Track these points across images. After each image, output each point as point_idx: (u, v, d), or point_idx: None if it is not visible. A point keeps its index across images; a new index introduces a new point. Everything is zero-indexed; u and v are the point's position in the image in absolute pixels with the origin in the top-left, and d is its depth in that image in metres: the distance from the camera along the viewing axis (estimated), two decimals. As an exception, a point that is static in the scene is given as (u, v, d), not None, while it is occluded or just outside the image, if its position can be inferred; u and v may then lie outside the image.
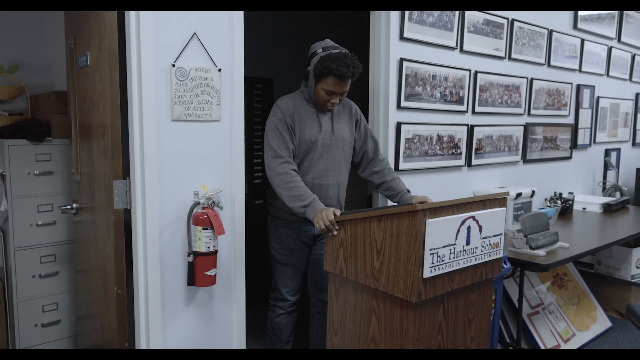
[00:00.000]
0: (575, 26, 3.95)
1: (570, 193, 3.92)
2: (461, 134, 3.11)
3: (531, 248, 2.61)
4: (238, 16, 2.05)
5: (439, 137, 2.97)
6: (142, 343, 1.96)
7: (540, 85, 3.68)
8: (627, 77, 4.73)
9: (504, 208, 1.88)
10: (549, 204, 3.71)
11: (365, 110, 2.63)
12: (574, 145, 4.16)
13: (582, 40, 4.03)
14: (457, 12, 2.94)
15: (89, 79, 2.14)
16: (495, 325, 2.62)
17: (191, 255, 1.94)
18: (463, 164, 3.16)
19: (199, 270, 1.94)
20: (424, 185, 2.91)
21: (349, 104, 2.38)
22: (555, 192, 3.91)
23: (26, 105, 3.29)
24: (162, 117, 1.89)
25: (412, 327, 1.66)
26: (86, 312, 2.50)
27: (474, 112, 3.19)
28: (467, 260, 1.76)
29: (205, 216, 1.93)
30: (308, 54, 2.20)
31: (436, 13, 2.83)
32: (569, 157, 4.14)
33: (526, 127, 3.61)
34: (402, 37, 2.69)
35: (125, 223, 2.00)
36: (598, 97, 4.37)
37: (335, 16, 4.47)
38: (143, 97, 1.83)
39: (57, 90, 3.25)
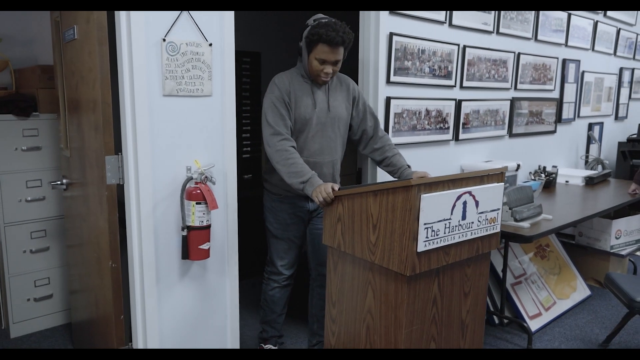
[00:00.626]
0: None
1: (554, 166, 4.00)
2: (449, 108, 3.14)
3: (516, 220, 2.69)
4: (228, -11, 2.03)
5: (427, 112, 3.00)
6: (138, 315, 2.00)
7: (527, 60, 3.71)
8: (611, 51, 4.78)
9: (502, 183, 1.91)
10: (533, 177, 3.79)
11: (355, 85, 2.64)
12: (558, 119, 4.23)
13: (569, 15, 4.06)
14: (446, -14, 2.94)
15: (77, 53, 2.12)
16: (480, 294, 2.71)
17: (185, 230, 1.97)
18: (450, 138, 3.21)
19: (193, 244, 1.97)
20: (412, 159, 2.93)
21: (346, 81, 2.37)
22: (539, 166, 3.99)
23: (10, 79, 3.23)
24: (153, 92, 1.89)
25: (407, 300, 1.72)
26: (79, 287, 2.53)
27: (461, 87, 3.21)
28: (462, 235, 1.80)
29: (199, 191, 1.95)
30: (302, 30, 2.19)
31: (426, -13, 2.83)
32: (554, 131, 4.21)
33: (512, 101, 3.65)
34: (392, 11, 2.68)
35: (117, 199, 2.01)
36: (583, 72, 4.42)
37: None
38: (134, 72, 1.82)
39: (41, 64, 3.20)
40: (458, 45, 3.11)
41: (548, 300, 3.27)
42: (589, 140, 4.70)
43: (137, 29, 1.81)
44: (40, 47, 3.26)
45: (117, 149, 1.97)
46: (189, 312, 2.11)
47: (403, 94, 2.84)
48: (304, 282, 2.59)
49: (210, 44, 1.99)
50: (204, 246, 1.99)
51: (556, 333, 3.03)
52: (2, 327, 2.99)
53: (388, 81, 2.73)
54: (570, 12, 4.04)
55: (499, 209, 1.92)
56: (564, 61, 4.14)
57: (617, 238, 3.67)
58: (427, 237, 1.68)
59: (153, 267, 1.97)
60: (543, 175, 3.79)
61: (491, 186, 1.85)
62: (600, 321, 3.20)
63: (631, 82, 5.27)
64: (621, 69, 5.03)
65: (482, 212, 1.85)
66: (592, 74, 4.55)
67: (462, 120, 3.24)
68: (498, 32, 3.41)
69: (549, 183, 3.82)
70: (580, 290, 3.55)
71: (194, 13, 1.94)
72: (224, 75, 2.06)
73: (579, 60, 4.33)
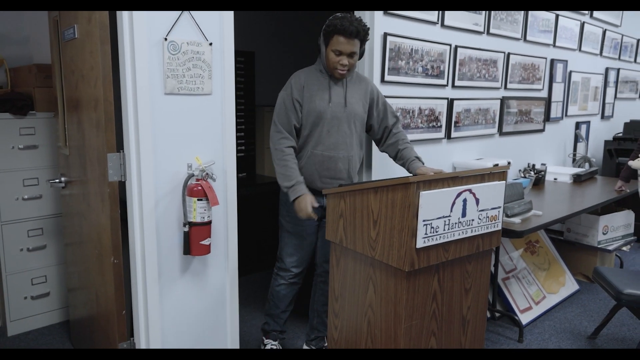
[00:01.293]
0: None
1: (543, 164, 4.09)
2: (441, 107, 3.21)
3: (507, 216, 2.76)
4: (228, -10, 2.07)
5: (421, 111, 3.06)
6: (140, 311, 2.03)
7: (516, 60, 3.79)
8: (597, 52, 4.88)
9: (503, 182, 1.94)
10: (523, 175, 3.87)
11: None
12: (547, 118, 4.32)
13: (557, 16, 4.15)
14: (438, -13, 3.00)
15: (78, 52, 2.14)
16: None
17: (187, 226, 2.00)
18: (443, 136, 3.27)
19: (194, 239, 2.01)
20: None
21: (365, 81, 2.41)
22: (528, 164, 4.07)
23: (5, 78, 3.24)
24: (155, 90, 1.92)
25: (406, 295, 1.77)
26: (78, 284, 2.54)
27: (453, 86, 3.28)
28: (462, 232, 1.84)
29: (200, 188, 1.98)
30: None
31: (419, -12, 2.89)
32: (542, 130, 4.30)
33: (502, 100, 3.73)
34: (386, 12, 2.74)
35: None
36: (570, 72, 4.52)
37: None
38: (137, 71, 1.86)
39: (36, 62, 3.21)
40: (450, 45, 3.18)
41: (538, 295, 3.35)
42: (577, 138, 4.80)
43: (139, 29, 1.84)
44: (35, 46, 3.27)
45: (119, 146, 2.00)
46: (190, 307, 2.15)
47: (397, 93, 2.89)
48: (308, 278, 2.62)
49: (211, 44, 2.03)
50: (205, 242, 2.03)
51: (546, 326, 3.11)
52: (-2, 326, 2.99)
53: (382, 80, 2.79)
54: (557, 12, 4.13)
55: (500, 207, 1.96)
56: (552, 61, 4.23)
57: (604, 234, 3.76)
58: (426, 234, 1.73)
59: (155, 262, 2.00)
60: (532, 172, 3.87)
61: (492, 184, 1.89)
62: (589, 314, 3.29)
63: (616, 82, 5.39)
64: (607, 69, 5.14)
65: (482, 210, 1.89)
66: (579, 74, 4.66)
67: (454, 119, 3.30)
68: (488, 33, 3.49)
69: (538, 180, 3.90)
70: (569, 285, 3.64)
71: (194, 13, 1.97)
72: (223, 74, 2.10)
73: (567, 61, 4.42)
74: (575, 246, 3.89)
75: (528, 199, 3.01)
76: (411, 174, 2.30)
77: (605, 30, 4.90)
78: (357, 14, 2.73)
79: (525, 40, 3.85)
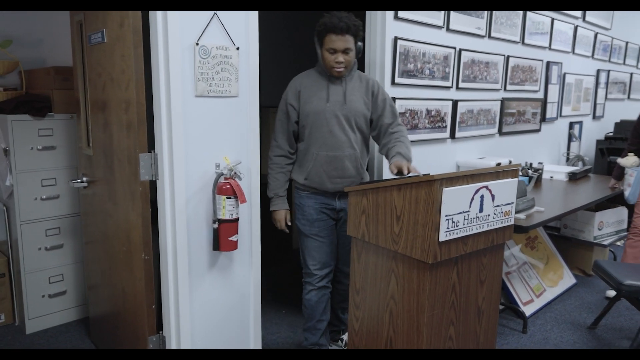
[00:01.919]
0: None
1: (540, 163, 4.24)
2: (447, 108, 3.33)
3: (513, 212, 2.88)
4: (253, -4, 2.16)
5: (428, 112, 3.18)
6: (171, 305, 2.11)
7: (515, 62, 3.93)
8: (589, 54, 5.06)
9: (516, 179, 2.05)
10: (521, 173, 4.01)
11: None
12: (543, 118, 4.47)
13: (552, 20, 4.30)
14: (444, -7, 3.12)
15: (106, 56, 2.21)
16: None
17: (216, 223, 2.09)
18: (447, 136, 3.39)
19: (223, 236, 2.09)
20: (412, 156, 3.12)
21: (366, 78, 2.39)
22: (526, 162, 4.22)
23: (18, 79, 3.28)
24: (187, 93, 2.00)
25: (429, 286, 1.87)
26: (101, 281, 2.61)
27: (457, 88, 3.40)
28: (480, 226, 1.95)
29: (229, 186, 2.07)
30: None
31: (426, -7, 3.00)
32: (539, 130, 4.45)
33: (503, 101, 3.87)
34: (396, 17, 2.85)
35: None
36: (565, 74, 4.68)
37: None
38: (171, 75, 1.94)
39: (49, 64, 3.26)
40: (455, 48, 3.30)
41: (538, 288, 3.49)
42: (570, 138, 4.97)
43: (173, 35, 1.92)
44: (49, 48, 3.32)
45: (150, 147, 2.08)
46: (216, 300, 2.23)
47: (406, 95, 3.01)
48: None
49: (238, 48, 2.12)
50: (233, 238, 2.12)
51: (548, 317, 3.25)
52: (15, 324, 3.04)
53: (393, 82, 2.90)
54: (553, 16, 4.29)
55: (513, 203, 2.07)
56: (548, 63, 4.39)
57: (599, 229, 3.92)
58: (448, 228, 1.83)
59: (186, 258, 2.08)
60: (530, 171, 4.02)
61: (506, 181, 2.00)
62: (587, 306, 3.43)
63: (607, 83, 5.58)
64: (598, 71, 5.32)
65: (497, 206, 2.00)
66: (573, 76, 4.82)
67: (458, 119, 3.43)
68: (490, 36, 3.62)
69: (536, 179, 4.05)
70: (567, 279, 3.79)
71: (223, 19, 2.06)
72: (249, 77, 2.19)
73: (561, 63, 4.58)
74: (572, 242, 4.04)
75: (530, 196, 3.14)
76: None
77: (597, 33, 5.07)
78: (369, 18, 2.84)
79: (523, 43, 4.00)
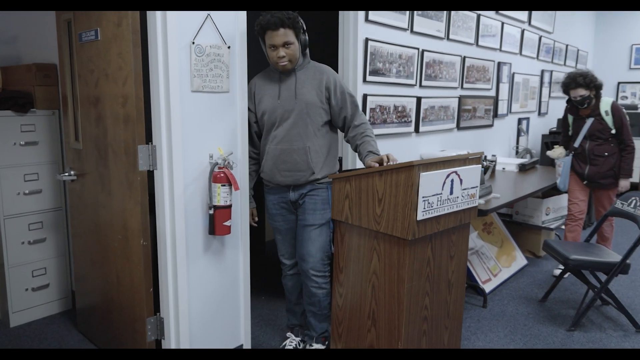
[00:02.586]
0: (497, 11, 4.58)
1: (493, 155, 4.60)
2: (411, 104, 3.60)
3: (473, 198, 3.18)
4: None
5: (395, 108, 3.44)
6: (169, 287, 2.26)
7: (470, 63, 4.27)
8: (535, 55, 5.50)
9: (479, 165, 2.32)
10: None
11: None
12: (495, 114, 4.85)
13: (502, 24, 4.68)
14: (408, -2, 3.39)
15: (100, 53, 2.32)
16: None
17: (212, 209, 2.25)
18: (412, 130, 3.67)
19: (218, 221, 2.26)
20: (381, 149, 3.37)
21: (322, 71, 2.37)
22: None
23: (-7, 76, 3.29)
24: (184, 88, 2.15)
25: (408, 261, 2.11)
26: (90, 271, 2.70)
27: (421, 86, 3.69)
28: (450, 207, 2.20)
29: (223, 174, 2.24)
30: None
31: (393, -2, 3.26)
32: (491, 125, 4.83)
33: (460, 98, 4.19)
34: (367, 19, 3.09)
35: (146, 183, 2.24)
36: (513, 73, 5.08)
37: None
38: (170, 71, 2.08)
39: (25, 62, 3.29)
40: (418, 49, 3.58)
41: (495, 268, 3.83)
42: (519, 132, 5.39)
43: (172, 34, 2.07)
44: (23, 45, 3.34)
45: (147, 139, 2.22)
46: (210, 281, 2.39)
47: (376, 92, 3.25)
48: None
49: (229, 47, 2.29)
50: (227, 223, 2.29)
51: (504, 294, 3.59)
52: (-2, 318, 3.07)
53: (364, 80, 3.13)
54: (503, 21, 4.66)
55: (477, 187, 2.34)
56: (499, 64, 4.76)
57: (547, 214, 4.32)
58: (424, 208, 2.07)
59: (184, 242, 2.23)
60: (485, 162, 4.37)
61: (472, 167, 2.27)
62: (538, 283, 3.80)
63: (550, 83, 6.06)
64: (542, 71, 5.78)
65: (465, 189, 2.27)
66: (521, 75, 5.24)
67: (421, 115, 3.71)
68: (448, 38, 3.93)
69: (492, 169, 4.40)
70: (519, 260, 4.16)
71: (215, 19, 2.22)
72: (238, 74, 2.36)
73: (510, 63, 4.98)
74: (523, 226, 4.42)
75: (488, 184, 3.46)
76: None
77: (541, 36, 5.52)
78: (342, 21, 3.07)
79: (477, 45, 4.34)
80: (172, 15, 2.07)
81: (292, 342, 2.72)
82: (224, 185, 2.24)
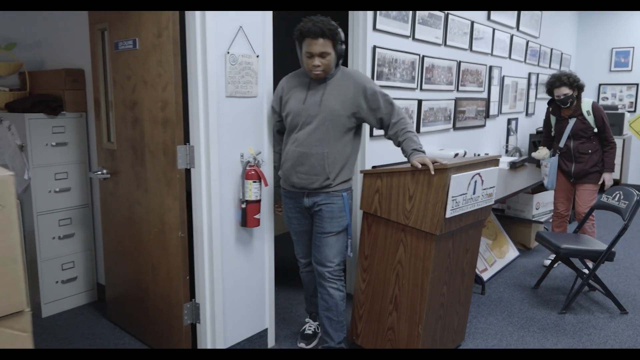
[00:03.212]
0: (488, 18, 4.87)
1: (486, 154, 4.89)
2: (413, 106, 3.86)
3: (472, 193, 3.45)
4: (269, 13, 2.56)
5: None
6: (206, 275, 2.47)
7: (465, 67, 4.55)
8: (522, 59, 5.81)
9: (497, 167, 2.51)
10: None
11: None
12: (487, 115, 5.14)
13: (493, 30, 4.97)
14: (411, 8, 3.65)
15: (138, 61, 2.53)
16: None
17: (244, 203, 2.47)
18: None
19: (250, 214, 2.48)
20: (387, 149, 3.62)
21: (349, 77, 2.41)
22: (474, 153, 4.86)
23: (18, 80, 3.47)
24: (220, 94, 2.37)
25: (434, 253, 2.34)
26: (122, 263, 2.89)
27: (421, 89, 3.95)
28: (472, 205, 2.41)
29: (254, 172, 2.46)
30: None
31: (397, 8, 3.52)
32: (484, 125, 5.12)
33: (456, 101, 4.47)
34: (374, 29, 3.33)
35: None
36: (504, 76, 5.38)
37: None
38: (208, 78, 2.30)
39: (49, 66, 3.46)
40: (419, 55, 3.84)
41: (490, 259, 4.11)
42: (509, 132, 5.70)
43: (210, 45, 2.29)
44: (46, 50, 3.51)
45: (185, 140, 2.43)
46: (240, 269, 2.61)
47: (382, 95, 3.50)
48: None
49: (258, 56, 2.51)
50: (257, 216, 2.51)
51: (500, 282, 3.87)
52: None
53: (372, 84, 3.38)
54: (494, 27, 4.95)
55: (494, 186, 2.55)
56: (490, 67, 5.05)
57: (537, 209, 4.62)
58: (452, 207, 2.28)
59: (219, 234, 2.45)
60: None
61: (492, 169, 2.48)
62: (530, 272, 4.10)
63: (537, 84, 6.39)
64: (529, 74, 6.10)
65: (485, 189, 2.47)
66: (510, 78, 5.54)
67: (422, 117, 3.97)
68: (446, 45, 4.20)
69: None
70: (512, 252, 4.45)
71: (246, 31, 2.44)
72: (264, 80, 2.59)
73: (501, 67, 5.28)
74: (514, 220, 4.72)
75: (484, 180, 3.74)
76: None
77: (528, 41, 5.84)
78: (351, 30, 3.31)
79: (471, 50, 4.62)
80: (210, 28, 2.28)
81: (310, 326, 2.91)
82: (255, 182, 2.47)
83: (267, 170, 2.65)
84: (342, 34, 2.36)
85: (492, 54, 5.03)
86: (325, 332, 2.62)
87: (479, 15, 4.70)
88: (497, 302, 3.50)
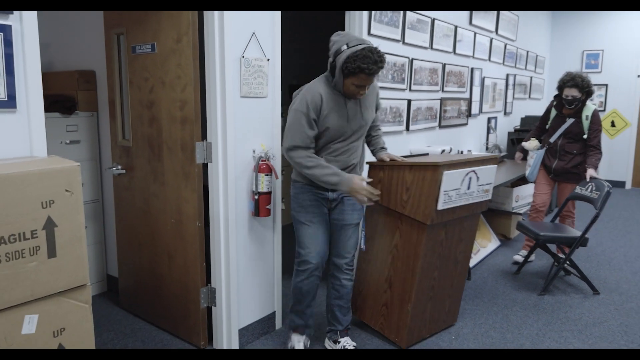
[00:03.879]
0: (470, 22, 5.18)
1: (469, 150, 5.20)
2: (403, 106, 4.13)
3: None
4: (277, 19, 2.78)
5: (390, 109, 3.96)
6: (222, 261, 2.68)
7: (449, 69, 4.84)
8: (501, 61, 6.15)
9: (495, 165, 2.72)
10: (456, 159, 4.93)
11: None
12: (469, 114, 5.46)
13: (475, 34, 5.28)
14: (401, 13, 3.91)
15: (156, 64, 2.72)
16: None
17: (257, 195, 2.69)
18: (404, 129, 4.20)
19: (262, 205, 2.70)
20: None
21: (373, 86, 2.57)
22: (458, 150, 5.16)
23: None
24: (235, 94, 2.59)
25: (424, 240, 2.60)
26: (137, 253, 3.07)
27: (410, 90, 4.22)
28: (466, 200, 2.64)
29: (266, 166, 2.68)
30: (331, 50, 2.38)
31: (390, 14, 3.78)
32: (466, 124, 5.43)
33: (441, 100, 4.76)
34: (369, 33, 3.58)
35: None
36: (484, 77, 5.70)
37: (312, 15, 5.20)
38: (226, 80, 2.51)
39: (57, 68, 3.61)
40: (408, 58, 4.11)
41: (475, 248, 4.42)
42: (489, 130, 6.03)
43: (227, 50, 2.50)
44: (54, 52, 3.66)
45: (202, 137, 2.64)
46: (252, 256, 2.83)
47: (376, 95, 3.76)
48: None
49: (268, 59, 2.74)
50: (269, 207, 2.74)
51: (484, 269, 4.17)
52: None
53: (367, 85, 3.63)
54: (475, 31, 5.27)
55: (491, 183, 2.76)
56: (472, 69, 5.37)
57: (516, 201, 4.94)
58: (444, 201, 2.53)
59: (234, 223, 2.67)
60: (463, 157, 4.96)
61: (489, 167, 2.71)
62: (510, 260, 4.41)
63: (514, 85, 6.75)
64: (507, 75, 6.45)
65: (480, 185, 2.71)
66: (490, 79, 5.87)
67: (411, 115, 4.25)
68: (432, 48, 4.48)
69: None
70: (494, 241, 4.77)
71: (258, 37, 2.67)
72: (274, 82, 2.81)
73: (482, 69, 5.60)
74: (495, 212, 5.04)
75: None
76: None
77: (506, 44, 6.18)
78: (347, 20, 3.53)
79: (455, 53, 4.92)
80: (227, 34, 2.50)
81: (300, 341, 2.74)
82: (267, 175, 2.69)
83: (277, 164, 2.87)
84: None
85: (473, 57, 5.34)
86: (334, 318, 2.75)
87: (462, 20, 5.00)
88: (482, 287, 3.80)
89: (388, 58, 3.83)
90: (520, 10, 6.38)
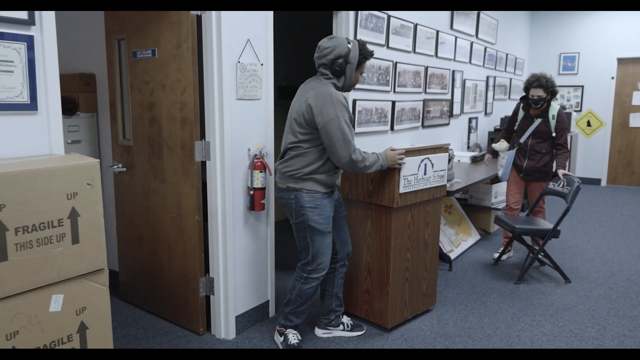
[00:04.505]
0: (451, 27, 5.43)
1: (451, 149, 5.44)
2: (388, 107, 4.36)
3: (441, 182, 3.97)
4: (270, 27, 2.99)
5: (376, 110, 4.19)
6: (220, 252, 2.88)
7: (432, 71, 5.09)
8: (481, 64, 6.42)
9: (447, 153, 3.07)
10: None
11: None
12: (450, 114, 5.71)
13: (456, 38, 5.54)
14: (385, 18, 4.14)
15: (156, 68, 2.91)
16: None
17: (252, 190, 2.89)
18: (389, 129, 4.43)
19: (257, 200, 2.90)
20: (365, 144, 4.11)
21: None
22: (440, 149, 5.40)
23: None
24: (232, 97, 2.79)
25: (393, 223, 2.85)
26: (137, 246, 3.25)
27: (394, 92, 4.45)
28: (424, 184, 2.95)
29: (260, 163, 2.89)
30: (331, 55, 2.51)
31: (375, 20, 4.00)
32: (448, 124, 5.68)
33: (424, 102, 5.00)
34: (355, 38, 3.80)
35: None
36: (465, 80, 5.97)
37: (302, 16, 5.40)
38: (223, 83, 2.71)
39: (60, 72, 3.76)
40: (392, 61, 4.34)
41: (456, 241, 4.67)
42: (470, 130, 6.30)
43: (225, 55, 2.70)
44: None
45: (201, 136, 2.83)
46: (247, 247, 3.03)
47: (362, 97, 3.98)
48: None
49: (262, 64, 2.94)
50: (263, 201, 2.94)
51: (464, 261, 4.42)
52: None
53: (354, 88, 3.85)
54: (456, 35, 5.52)
55: (445, 169, 3.11)
56: (453, 72, 5.62)
57: (495, 197, 5.21)
58: (404, 185, 2.81)
59: (231, 217, 2.87)
60: (450, 152, 5.20)
61: (441, 155, 3.03)
62: (489, 252, 4.67)
63: (494, 87, 7.03)
64: (487, 77, 6.73)
65: (435, 171, 3.02)
66: (471, 81, 6.14)
67: (396, 116, 4.48)
68: (415, 52, 4.72)
69: (448, 161, 5.24)
70: (474, 235, 5.02)
71: (253, 43, 2.87)
72: (267, 85, 3.02)
73: (463, 71, 5.86)
74: (476, 208, 5.30)
75: (451, 171, 4.27)
76: None
77: (486, 47, 6.45)
78: (341, 14, 3.73)
79: (437, 56, 5.16)
80: (224, 41, 2.70)
81: (295, 335, 2.81)
82: (261, 172, 2.90)
83: (270, 162, 3.08)
84: None
85: (454, 60, 5.60)
86: (338, 302, 2.94)
87: (443, 25, 5.25)
88: (463, 276, 4.04)
89: (373, 62, 4.06)
90: (498, 10, 6.66)
